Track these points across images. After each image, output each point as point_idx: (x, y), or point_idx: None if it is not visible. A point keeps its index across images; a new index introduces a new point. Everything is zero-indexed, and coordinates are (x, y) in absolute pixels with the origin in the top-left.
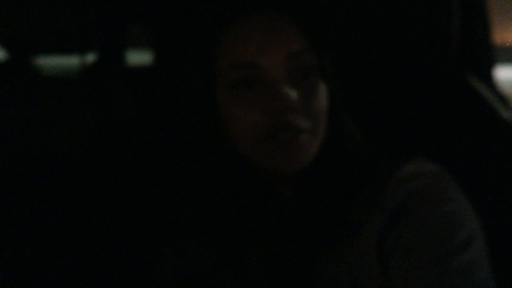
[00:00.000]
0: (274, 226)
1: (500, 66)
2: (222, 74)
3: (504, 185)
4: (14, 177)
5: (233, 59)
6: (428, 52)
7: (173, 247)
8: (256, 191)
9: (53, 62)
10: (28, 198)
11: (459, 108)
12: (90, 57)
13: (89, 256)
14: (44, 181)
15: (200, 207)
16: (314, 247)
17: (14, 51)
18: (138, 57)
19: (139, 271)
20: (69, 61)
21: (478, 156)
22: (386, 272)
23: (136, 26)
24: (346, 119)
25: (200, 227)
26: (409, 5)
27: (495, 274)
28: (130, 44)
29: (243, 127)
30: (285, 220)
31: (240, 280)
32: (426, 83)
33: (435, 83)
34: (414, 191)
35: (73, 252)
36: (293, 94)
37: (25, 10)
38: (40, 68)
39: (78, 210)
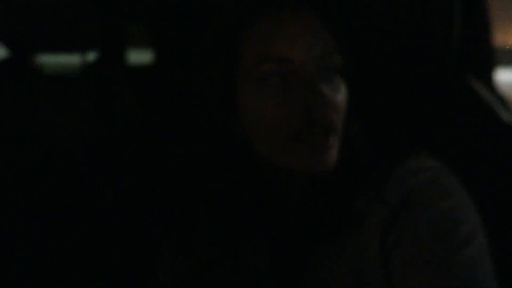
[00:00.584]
0: (276, 220)
1: (501, 68)
2: (250, 68)
3: (504, 186)
4: (15, 175)
5: (264, 52)
6: (429, 54)
7: (173, 244)
8: (261, 186)
9: (54, 60)
10: (29, 196)
11: (460, 110)
12: (91, 56)
13: (89, 256)
14: (45, 179)
15: (203, 201)
16: (316, 239)
17: (15, 49)
18: (140, 56)
19: (139, 270)
20: (70, 60)
21: (478, 157)
22: (387, 266)
23: (138, 24)
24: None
25: (202, 222)
26: (410, 7)
27: (496, 270)
28: (132, 43)
29: (273, 123)
30: (287, 214)
31: (241, 274)
32: (428, 85)
33: (436, 85)
34: (415, 187)
35: (72, 252)
36: (327, 91)
37: (26, 8)
38: (41, 67)
39: (80, 209)
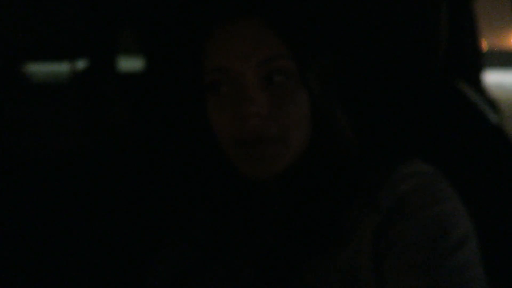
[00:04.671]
0: (263, 227)
1: (488, 70)
2: (205, 79)
3: (492, 188)
4: (4, 182)
5: (211, 64)
6: (417, 57)
7: (167, 246)
8: (245, 193)
9: (43, 69)
10: (19, 203)
11: (448, 112)
12: (81, 64)
13: (81, 260)
14: (34, 187)
15: (189, 208)
16: (304, 249)
17: (4, 58)
18: (131, 64)
19: (132, 272)
20: (60, 68)
21: (467, 159)
22: (380, 272)
23: (129, 32)
24: (339, 122)
25: (190, 228)
26: (397, 10)
27: (488, 275)
28: (124, 50)
29: (218, 132)
30: (274, 222)
31: (227, 282)
32: (416, 88)
33: (425, 88)
34: (407, 192)
35: (63, 257)
36: (261, 100)
37: (15, 17)
38: (30, 75)
39: (69, 215)
